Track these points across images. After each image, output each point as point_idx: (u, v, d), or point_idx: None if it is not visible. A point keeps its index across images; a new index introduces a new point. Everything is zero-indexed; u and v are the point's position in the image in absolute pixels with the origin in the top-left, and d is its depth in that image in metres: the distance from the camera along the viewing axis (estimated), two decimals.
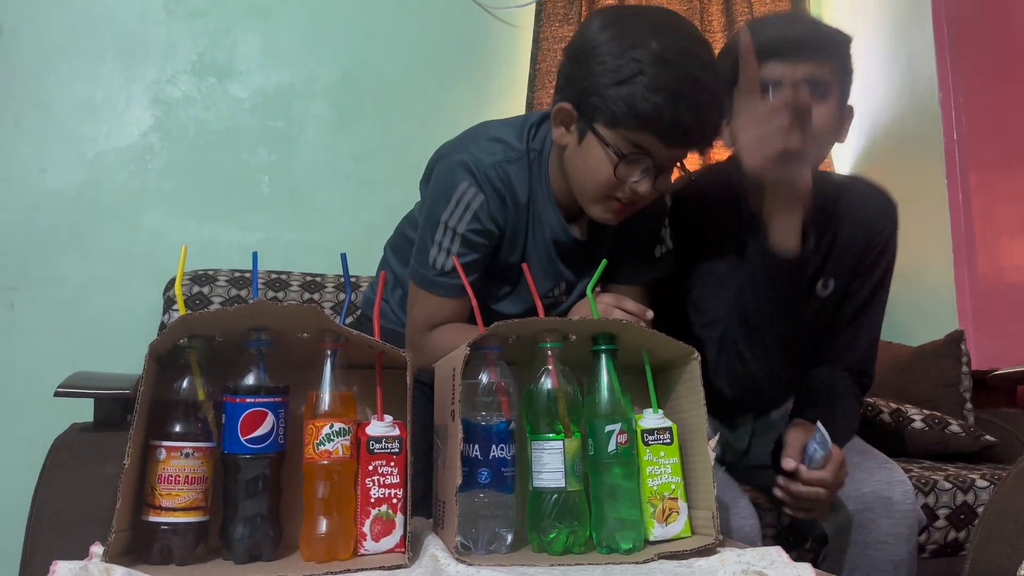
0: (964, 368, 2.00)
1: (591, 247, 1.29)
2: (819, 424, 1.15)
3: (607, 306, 1.10)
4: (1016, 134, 2.02)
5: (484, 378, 0.89)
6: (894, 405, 1.92)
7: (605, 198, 1.15)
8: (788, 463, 1.16)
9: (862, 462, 1.29)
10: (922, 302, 2.29)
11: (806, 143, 1.10)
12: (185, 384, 0.83)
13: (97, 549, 0.78)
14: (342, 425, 0.83)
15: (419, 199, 1.47)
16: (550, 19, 2.51)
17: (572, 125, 1.16)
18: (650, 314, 1.12)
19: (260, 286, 2.10)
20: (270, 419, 0.84)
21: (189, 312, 0.81)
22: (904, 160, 2.37)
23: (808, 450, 1.17)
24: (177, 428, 0.82)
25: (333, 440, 0.83)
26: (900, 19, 2.32)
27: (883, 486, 1.24)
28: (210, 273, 2.13)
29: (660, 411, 0.94)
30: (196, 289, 2.08)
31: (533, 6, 2.51)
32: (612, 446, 0.89)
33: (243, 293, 2.10)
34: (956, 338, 1.98)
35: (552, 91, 2.49)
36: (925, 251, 2.25)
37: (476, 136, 1.27)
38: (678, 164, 1.17)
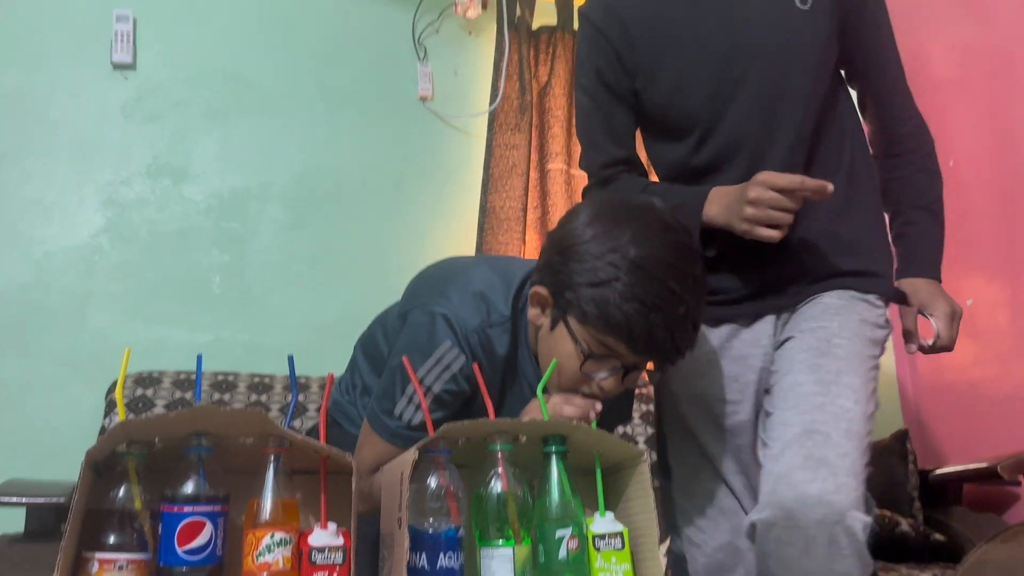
0: (911, 467, 2.02)
1: None
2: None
3: (556, 405, 1.09)
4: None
5: (432, 482, 0.87)
6: None
7: (570, 388, 1.13)
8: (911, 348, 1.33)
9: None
10: None
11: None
12: (122, 492, 0.80)
13: None
14: (283, 535, 0.81)
15: (383, 302, 1.45)
16: (502, 128, 2.60)
17: (547, 310, 1.15)
18: (598, 406, 1.11)
19: (206, 388, 2.06)
20: (208, 529, 0.81)
21: (129, 417, 0.79)
22: None
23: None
24: (111, 539, 0.78)
25: (273, 551, 0.80)
26: None
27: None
28: (155, 375, 2.08)
29: (611, 514, 0.93)
30: (140, 391, 2.03)
31: (487, 116, 2.60)
32: (563, 553, 0.88)
33: (188, 395, 2.05)
34: (901, 437, 2.02)
35: (505, 195, 2.56)
36: None
37: (460, 285, 1.23)
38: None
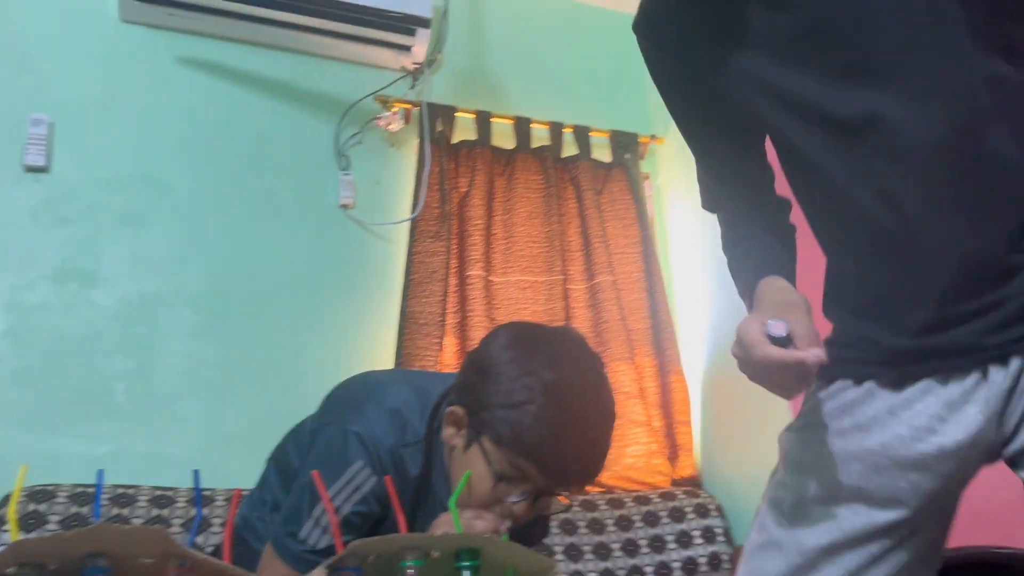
0: None
1: None
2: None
3: (468, 520, 1.09)
4: None
5: None
6: None
7: (479, 505, 1.13)
8: None
9: None
10: None
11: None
12: None
13: None
14: None
15: (296, 413, 1.43)
16: (423, 235, 2.65)
17: (462, 429, 1.16)
18: (505, 525, 1.10)
19: (105, 502, 1.96)
20: None
21: (22, 536, 0.76)
22: None
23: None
24: None
25: None
26: None
27: None
28: (49, 489, 1.97)
29: None
30: (32, 507, 1.91)
31: (408, 224, 2.65)
32: None
33: (85, 510, 1.94)
34: None
35: (424, 301, 2.59)
36: (775, 457, 2.37)
37: (376, 402, 1.22)
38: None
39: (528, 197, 2.86)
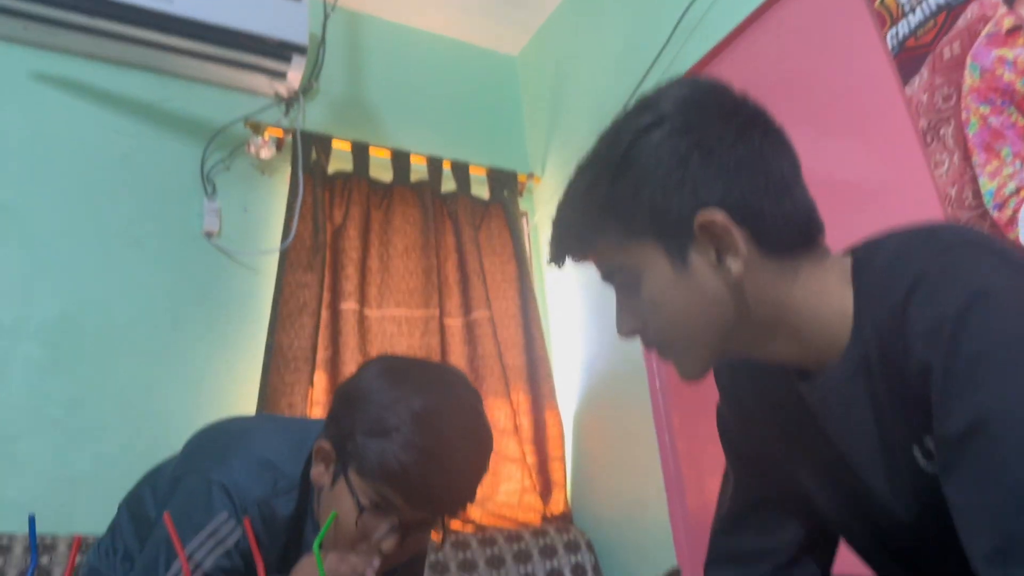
0: None
1: None
2: None
3: (331, 564, 1.05)
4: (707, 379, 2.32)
5: None
6: None
7: (348, 549, 1.08)
8: None
9: None
10: (643, 540, 2.43)
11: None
12: None
13: None
14: None
15: (151, 453, 1.34)
16: (293, 266, 2.57)
17: (330, 466, 1.12)
18: (375, 567, 1.07)
19: None
20: None
21: None
22: (619, 405, 2.61)
23: None
24: None
25: None
26: (604, 284, 2.67)
27: None
28: None
29: None
30: None
31: (277, 254, 2.57)
32: None
33: None
34: (673, 575, 2.11)
35: (294, 334, 2.50)
36: (642, 491, 2.43)
37: (243, 450, 1.16)
38: (435, 526, 1.12)
39: (405, 231, 2.83)
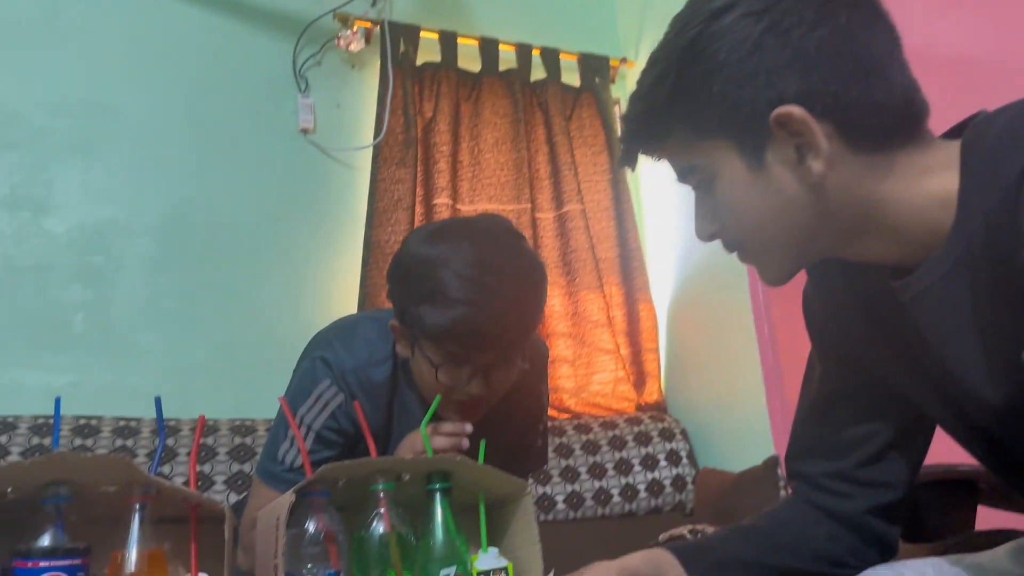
0: (782, 492, 2.11)
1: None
2: None
3: (434, 442, 1.12)
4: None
5: (311, 527, 0.84)
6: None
7: (446, 401, 1.15)
8: None
9: None
10: (740, 429, 2.43)
11: None
12: None
13: None
14: None
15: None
16: (387, 162, 2.58)
17: (404, 339, 1.20)
18: (468, 428, 1.15)
19: (66, 433, 1.93)
20: None
21: None
22: (715, 297, 2.57)
23: None
24: None
25: None
26: None
27: None
28: (9, 420, 1.93)
29: (495, 550, 0.93)
30: None
31: (371, 149, 2.59)
32: None
33: (46, 441, 1.91)
34: (772, 464, 2.11)
35: (390, 230, 2.54)
36: (740, 381, 2.42)
37: (347, 334, 1.28)
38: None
39: (495, 123, 2.79)
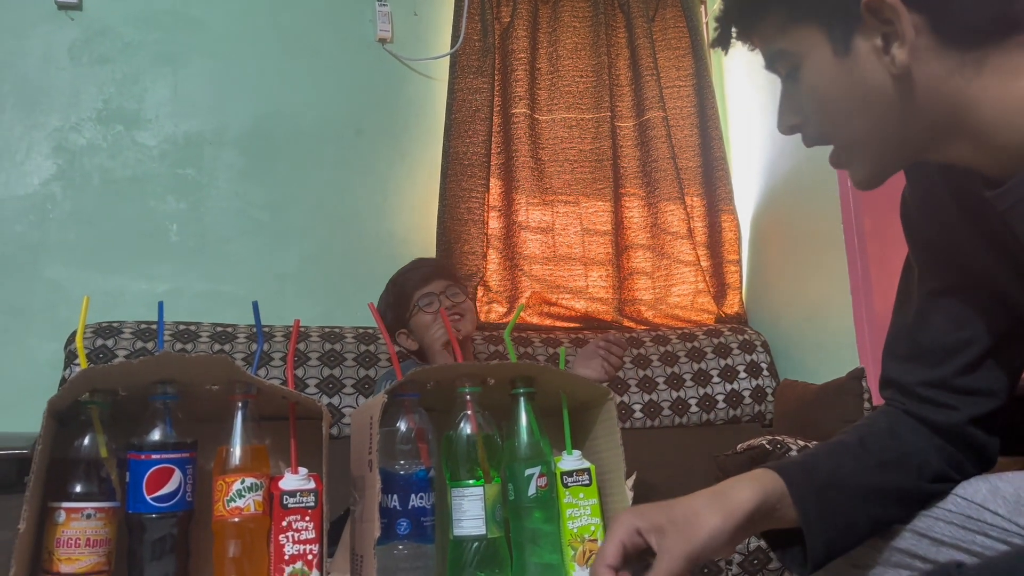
0: (866, 404, 2.08)
1: None
2: None
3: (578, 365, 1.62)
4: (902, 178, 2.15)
5: (402, 425, 0.88)
6: (802, 442, 1.99)
7: (438, 331, 1.82)
8: None
9: None
10: (824, 341, 2.39)
11: None
12: (86, 441, 0.79)
13: None
14: (254, 480, 0.81)
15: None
16: (464, 71, 2.55)
17: (408, 336, 1.88)
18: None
19: (167, 338, 2.04)
20: (177, 476, 0.80)
21: (91, 365, 0.78)
22: (802, 207, 2.49)
23: None
24: (78, 488, 0.78)
25: (244, 496, 0.80)
26: None
27: None
28: (114, 325, 2.05)
29: (578, 452, 0.95)
30: (100, 342, 1.99)
31: (448, 58, 2.55)
32: (532, 490, 0.89)
33: (149, 345, 2.02)
34: (857, 375, 2.07)
35: (468, 141, 2.53)
36: (825, 293, 2.36)
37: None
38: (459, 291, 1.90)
39: (575, 27, 2.71)
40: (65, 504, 0.77)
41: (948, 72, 0.69)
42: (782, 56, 0.76)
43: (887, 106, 0.72)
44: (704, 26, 2.88)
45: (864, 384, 2.09)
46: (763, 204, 2.70)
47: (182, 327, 2.10)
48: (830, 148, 0.80)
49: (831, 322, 2.34)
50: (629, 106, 2.74)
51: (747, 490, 0.78)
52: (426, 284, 1.87)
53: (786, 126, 0.79)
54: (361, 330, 2.23)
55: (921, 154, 0.76)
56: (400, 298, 1.89)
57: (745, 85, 2.78)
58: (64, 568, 0.75)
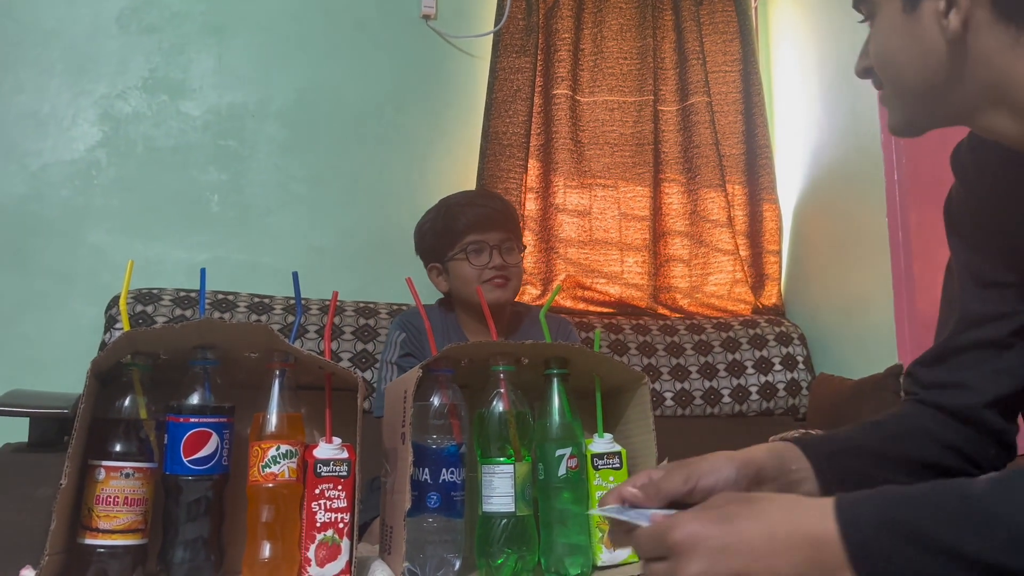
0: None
1: None
2: None
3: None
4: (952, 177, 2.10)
5: (436, 401, 0.88)
6: None
7: (482, 284, 1.66)
8: None
9: None
10: (863, 336, 2.35)
11: None
12: (127, 403, 0.81)
13: (28, 573, 0.75)
14: (289, 447, 0.82)
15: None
16: (507, 50, 2.54)
17: (440, 275, 1.76)
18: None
19: (207, 307, 2.07)
20: (214, 440, 0.82)
21: (133, 328, 0.79)
22: (846, 199, 2.44)
23: None
24: (118, 447, 0.79)
25: (279, 462, 0.81)
26: (843, 61, 2.41)
27: None
28: (154, 292, 2.08)
29: (609, 436, 0.94)
30: (140, 308, 2.03)
31: (491, 37, 2.54)
32: (562, 470, 0.89)
33: (188, 313, 2.05)
34: (895, 372, 2.03)
35: (508, 120, 2.52)
36: (866, 287, 2.31)
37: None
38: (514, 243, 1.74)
39: (620, 7, 2.68)
40: (105, 463, 0.78)
41: (1001, 47, 0.72)
42: (865, 1, 0.82)
43: (937, 67, 0.76)
44: (753, 11, 2.82)
45: (902, 381, 2.05)
46: (806, 194, 2.66)
47: (220, 296, 2.12)
48: (876, 136, 0.81)
49: (871, 317, 2.30)
50: (673, 90, 2.70)
51: (760, 449, 0.83)
52: (482, 231, 1.67)
53: (860, 67, 0.84)
54: (395, 306, 2.24)
55: (961, 119, 0.80)
56: (447, 232, 1.69)
57: (792, 73, 2.73)
58: (103, 525, 0.77)
